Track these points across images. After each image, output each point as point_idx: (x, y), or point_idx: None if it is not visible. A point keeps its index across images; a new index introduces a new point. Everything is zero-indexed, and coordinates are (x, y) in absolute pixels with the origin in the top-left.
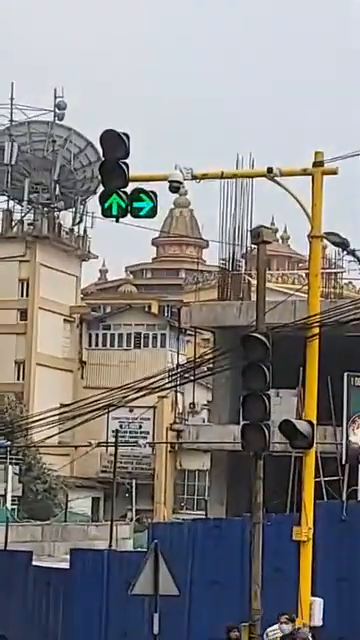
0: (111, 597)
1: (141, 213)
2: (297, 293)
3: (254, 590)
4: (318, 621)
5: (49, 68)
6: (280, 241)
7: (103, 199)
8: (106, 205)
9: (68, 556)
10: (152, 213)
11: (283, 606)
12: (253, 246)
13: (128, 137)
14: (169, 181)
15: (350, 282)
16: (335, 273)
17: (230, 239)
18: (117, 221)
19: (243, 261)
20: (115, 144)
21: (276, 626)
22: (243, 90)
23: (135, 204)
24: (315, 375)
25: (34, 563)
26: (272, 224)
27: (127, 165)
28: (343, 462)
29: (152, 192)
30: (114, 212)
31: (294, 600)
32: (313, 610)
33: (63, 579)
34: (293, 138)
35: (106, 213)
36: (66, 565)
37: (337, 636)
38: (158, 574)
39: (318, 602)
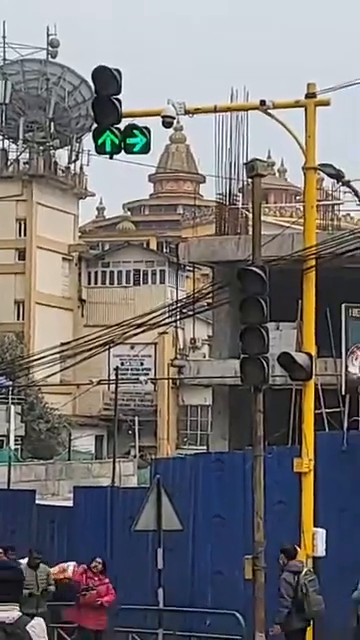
0: (115, 533)
1: (134, 149)
2: (294, 226)
3: (256, 522)
4: (321, 552)
5: (41, 5)
6: (277, 174)
7: (96, 136)
8: (99, 142)
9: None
10: (145, 149)
11: (286, 538)
12: (249, 180)
13: (120, 73)
14: (162, 116)
15: (348, 214)
16: (332, 205)
17: (226, 173)
18: (111, 158)
19: (240, 195)
20: (107, 80)
21: None
22: (239, 27)
23: (128, 140)
24: (312, 307)
25: (37, 502)
26: (269, 157)
27: (120, 101)
28: (343, 393)
29: (145, 128)
30: (107, 149)
31: (297, 532)
32: (316, 541)
33: (67, 517)
34: (290, 75)
35: (100, 150)
36: (70, 503)
37: (339, 567)
38: (161, 509)
39: (320, 533)
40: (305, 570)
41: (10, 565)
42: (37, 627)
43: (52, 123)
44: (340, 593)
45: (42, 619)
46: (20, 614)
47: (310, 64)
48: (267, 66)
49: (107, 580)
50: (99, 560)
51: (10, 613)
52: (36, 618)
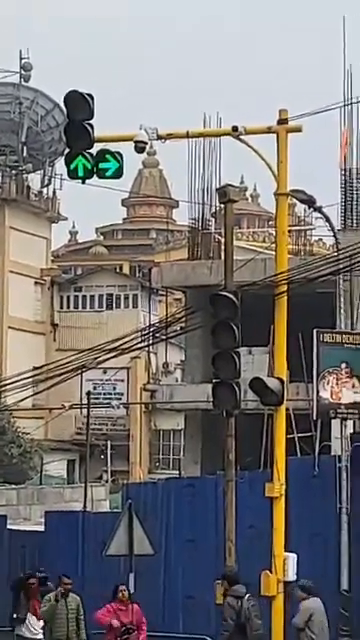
0: (86, 558)
1: (107, 174)
2: (267, 251)
3: (228, 547)
4: (292, 576)
5: (14, 29)
6: (250, 199)
7: (68, 161)
8: (72, 167)
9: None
10: (118, 174)
11: (257, 562)
12: (222, 205)
13: (92, 98)
14: (134, 141)
15: (320, 239)
16: (305, 230)
17: (199, 199)
18: (83, 182)
19: (213, 220)
20: (79, 105)
21: None
22: (212, 52)
23: (101, 165)
24: (284, 332)
25: (9, 527)
26: (241, 183)
27: (92, 126)
28: (314, 418)
29: (118, 153)
30: (80, 174)
31: (268, 556)
32: (287, 566)
33: (38, 542)
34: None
35: (72, 175)
36: (41, 528)
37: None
38: (132, 534)
39: (292, 557)
40: (247, 595)
41: None
42: None
43: (25, 147)
44: None
45: None
46: None
47: (282, 89)
48: (240, 90)
49: (136, 607)
50: (123, 587)
51: None
52: None
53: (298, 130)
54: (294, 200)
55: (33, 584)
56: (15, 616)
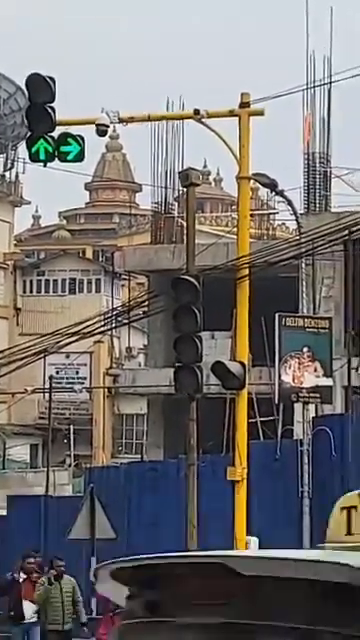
0: (49, 542)
1: (68, 157)
2: (230, 235)
3: (190, 530)
4: None
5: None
6: (213, 184)
7: (30, 144)
8: (33, 150)
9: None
10: (79, 157)
11: (219, 546)
12: (185, 189)
13: (54, 81)
14: (96, 124)
15: (283, 223)
16: (268, 214)
17: (162, 182)
18: (45, 166)
19: (176, 204)
20: (41, 88)
21: None
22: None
23: (62, 148)
24: (246, 316)
25: None
26: (204, 167)
27: (54, 109)
28: (276, 402)
29: (79, 136)
30: (41, 157)
31: (230, 539)
32: (249, 548)
33: (0, 526)
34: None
35: (33, 158)
36: (3, 512)
37: None
38: (94, 518)
39: (253, 540)
40: None
41: None
42: None
43: None
44: None
45: None
46: None
47: (247, 78)
48: (204, 81)
49: None
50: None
51: None
52: None
53: (260, 113)
54: (257, 184)
55: (31, 563)
56: (12, 614)
